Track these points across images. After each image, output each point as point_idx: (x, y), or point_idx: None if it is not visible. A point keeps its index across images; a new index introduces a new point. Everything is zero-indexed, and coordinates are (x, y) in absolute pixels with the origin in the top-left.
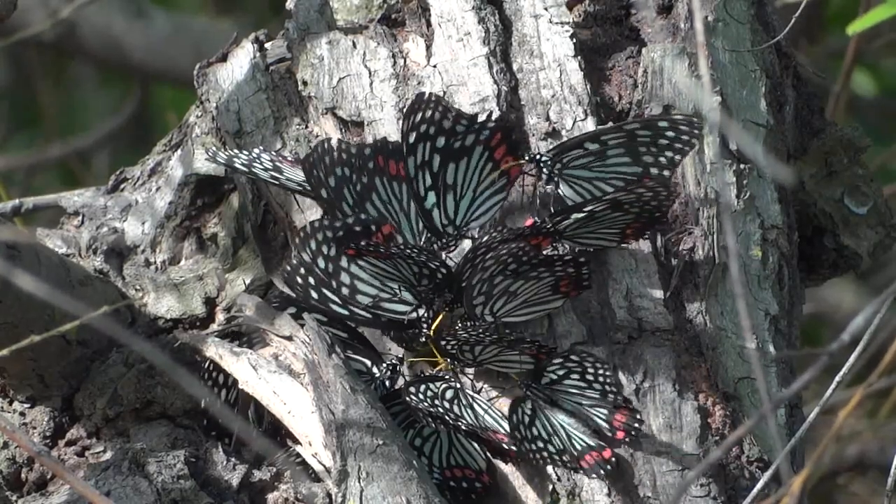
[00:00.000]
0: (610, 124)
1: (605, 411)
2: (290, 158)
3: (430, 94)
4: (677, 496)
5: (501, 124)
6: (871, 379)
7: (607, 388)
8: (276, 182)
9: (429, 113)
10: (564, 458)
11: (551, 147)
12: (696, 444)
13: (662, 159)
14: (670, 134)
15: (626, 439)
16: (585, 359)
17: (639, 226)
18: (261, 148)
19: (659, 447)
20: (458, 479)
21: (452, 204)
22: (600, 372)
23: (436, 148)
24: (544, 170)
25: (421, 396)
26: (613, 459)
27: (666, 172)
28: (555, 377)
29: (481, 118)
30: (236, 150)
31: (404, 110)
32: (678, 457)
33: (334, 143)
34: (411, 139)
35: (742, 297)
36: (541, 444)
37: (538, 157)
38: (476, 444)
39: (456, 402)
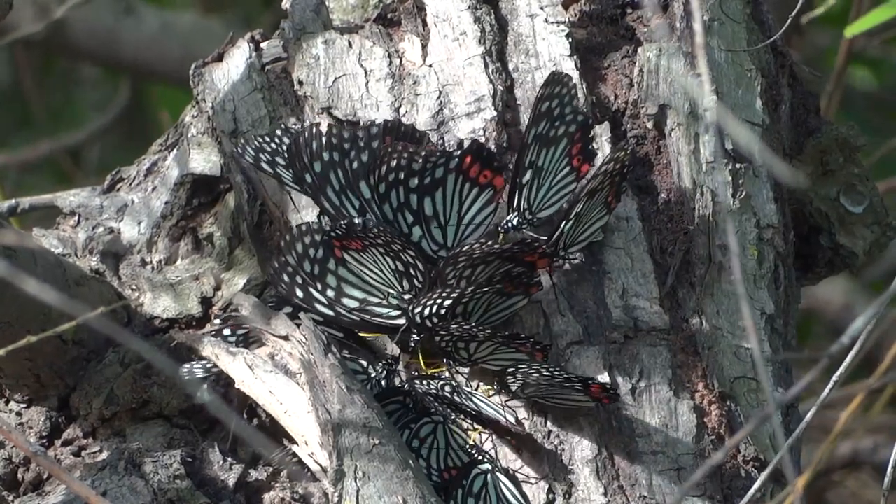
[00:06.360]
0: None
1: (580, 394)
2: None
3: (395, 145)
4: (676, 502)
5: (469, 148)
6: (871, 381)
7: (568, 375)
8: (299, 188)
9: (394, 162)
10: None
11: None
12: (691, 443)
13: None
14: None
15: (612, 402)
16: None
17: (615, 189)
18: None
19: (655, 446)
20: None
21: (439, 232)
22: (555, 372)
23: (410, 189)
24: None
25: (425, 386)
26: (611, 388)
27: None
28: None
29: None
30: (264, 138)
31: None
32: (674, 456)
33: (324, 127)
34: (382, 189)
35: (744, 297)
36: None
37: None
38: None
39: (455, 395)
